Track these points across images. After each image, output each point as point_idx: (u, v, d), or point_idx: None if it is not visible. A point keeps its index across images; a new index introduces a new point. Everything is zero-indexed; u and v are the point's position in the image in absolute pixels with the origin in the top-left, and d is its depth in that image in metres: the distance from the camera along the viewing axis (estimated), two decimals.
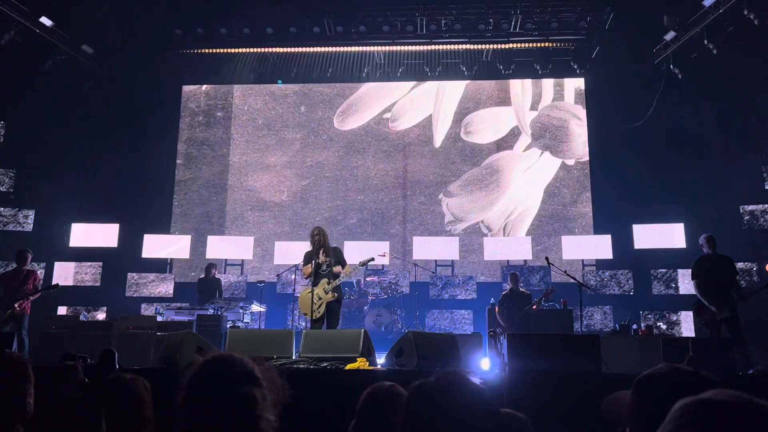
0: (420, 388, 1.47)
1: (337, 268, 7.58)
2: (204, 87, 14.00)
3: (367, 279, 11.72)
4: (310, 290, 7.52)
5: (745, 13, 10.02)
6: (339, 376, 5.29)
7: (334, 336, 6.57)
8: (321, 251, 7.53)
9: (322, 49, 13.41)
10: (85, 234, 12.39)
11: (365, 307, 11.19)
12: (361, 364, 5.67)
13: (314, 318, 7.41)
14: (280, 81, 13.69)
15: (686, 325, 10.98)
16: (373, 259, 7.69)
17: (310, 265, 7.62)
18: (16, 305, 8.45)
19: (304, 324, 10.20)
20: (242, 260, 12.61)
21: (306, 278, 7.68)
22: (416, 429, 1.42)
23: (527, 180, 13.13)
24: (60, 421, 2.00)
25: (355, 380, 5.11)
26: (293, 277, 10.68)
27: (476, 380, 1.53)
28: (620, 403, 1.88)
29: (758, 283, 10.21)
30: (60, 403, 2.10)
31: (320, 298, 7.43)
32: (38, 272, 9.21)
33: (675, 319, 11.13)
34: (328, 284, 7.47)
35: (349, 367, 5.60)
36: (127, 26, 11.99)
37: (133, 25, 12.05)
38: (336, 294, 7.50)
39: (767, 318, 8.71)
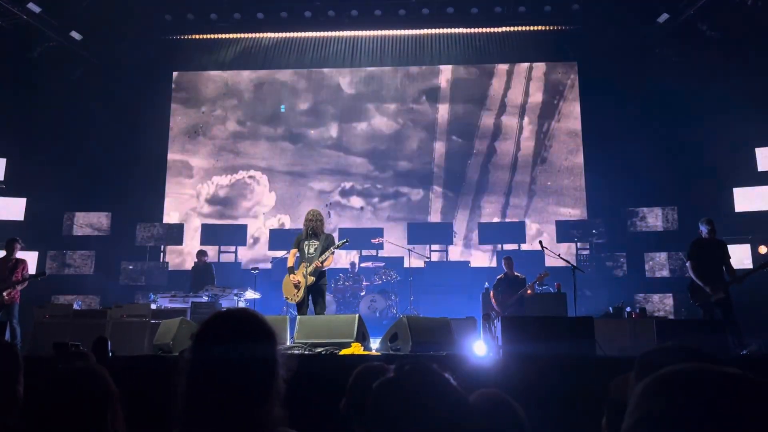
0: (383, 385, 1.45)
1: (328, 260, 7.35)
2: (197, 73, 13.85)
3: (362, 265, 11.72)
4: (290, 274, 7.39)
5: None
6: (334, 361, 5.28)
7: (329, 321, 6.56)
8: (310, 236, 7.42)
9: (314, 34, 13.30)
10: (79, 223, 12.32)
11: (360, 293, 11.19)
12: (355, 349, 5.67)
13: (295, 302, 7.33)
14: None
15: (680, 307, 11.03)
16: (347, 241, 7.57)
17: (294, 251, 7.52)
18: (4, 294, 8.41)
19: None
20: (236, 247, 12.58)
21: (289, 266, 7.52)
22: (382, 424, 1.40)
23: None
24: (61, 411, 1.95)
25: (350, 365, 5.10)
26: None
27: (441, 371, 1.50)
28: (628, 385, 1.86)
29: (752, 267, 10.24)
30: (59, 392, 2.06)
31: (299, 283, 7.29)
32: (27, 261, 9.14)
33: (668, 301, 11.18)
34: (306, 269, 7.26)
35: (343, 352, 5.61)
36: (116, 12, 11.84)
37: (122, 11, 11.89)
38: (314, 278, 7.25)
39: (759, 301, 8.79)
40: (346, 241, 7.50)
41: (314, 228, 7.42)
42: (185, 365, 1.48)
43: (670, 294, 11.14)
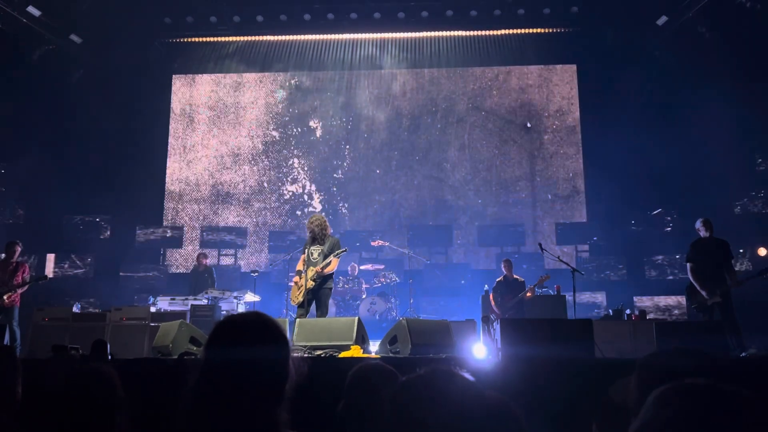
0: (408, 382, 1.46)
1: (330, 266, 7.44)
2: (196, 76, 13.85)
3: (362, 268, 11.71)
4: (299, 278, 7.48)
5: None
6: (333, 364, 5.27)
7: (328, 324, 6.56)
8: (314, 241, 7.50)
9: (313, 36, 13.31)
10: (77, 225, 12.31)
11: (360, 296, 11.19)
12: (355, 351, 5.66)
13: (295, 303, 7.39)
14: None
15: (679, 310, 11.02)
16: (345, 250, 7.62)
17: (303, 256, 7.61)
18: (5, 297, 8.40)
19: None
20: (236, 250, 12.58)
21: (296, 272, 7.61)
22: (403, 420, 1.40)
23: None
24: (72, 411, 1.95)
25: (349, 368, 5.09)
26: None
27: (464, 372, 1.51)
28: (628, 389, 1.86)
29: (753, 270, 10.22)
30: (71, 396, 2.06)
31: (301, 285, 7.36)
32: (27, 264, 9.15)
33: (668, 304, 11.18)
34: (312, 272, 7.36)
35: (343, 354, 5.59)
36: (115, 15, 11.85)
37: (121, 14, 11.90)
38: (316, 281, 7.32)
39: (759, 302, 8.77)
40: (345, 250, 7.55)
41: (315, 232, 7.50)
42: (197, 366, 1.49)
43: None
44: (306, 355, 5.62)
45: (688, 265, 7.90)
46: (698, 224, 7.99)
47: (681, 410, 0.93)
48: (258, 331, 1.52)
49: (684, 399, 0.95)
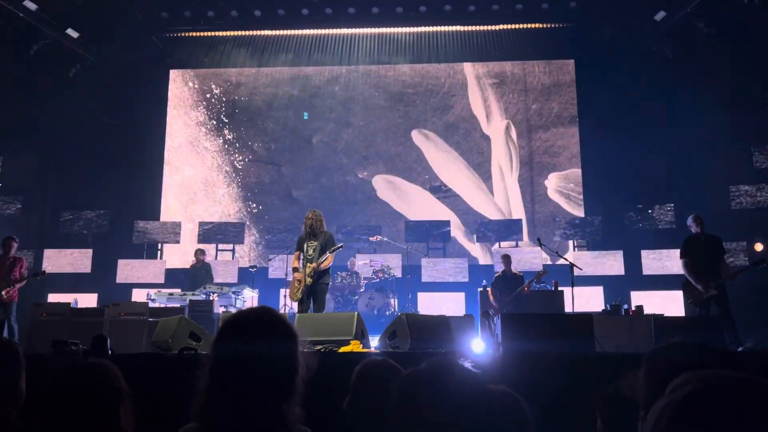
0: (411, 375, 1.47)
1: (326, 262, 7.45)
2: (194, 71, 13.81)
3: (360, 263, 11.71)
4: (299, 274, 7.48)
5: None
6: (333, 358, 5.28)
7: (328, 319, 6.57)
8: (310, 236, 7.49)
9: (311, 31, 13.29)
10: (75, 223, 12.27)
11: (358, 291, 11.19)
12: (354, 346, 5.67)
13: (294, 299, 7.41)
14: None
15: (676, 304, 11.05)
16: (341, 247, 7.63)
17: (297, 253, 7.60)
18: (2, 293, 8.39)
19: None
20: (233, 246, 12.57)
21: (293, 268, 7.61)
22: (409, 414, 1.41)
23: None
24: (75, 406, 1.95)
25: (349, 363, 5.09)
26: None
27: (466, 363, 1.52)
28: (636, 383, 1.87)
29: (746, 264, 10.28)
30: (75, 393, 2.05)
31: (300, 282, 7.38)
32: (24, 259, 9.14)
33: (665, 299, 11.20)
34: (306, 270, 7.38)
35: (342, 349, 5.60)
36: (112, 10, 11.80)
37: (118, 9, 11.85)
38: (312, 278, 7.33)
39: (756, 297, 8.81)
40: (341, 246, 7.56)
41: (313, 228, 7.48)
42: (207, 361, 1.50)
43: None
44: (305, 350, 5.62)
45: (682, 260, 7.98)
46: (689, 221, 8.11)
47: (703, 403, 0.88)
48: (266, 326, 1.53)
49: (706, 390, 0.90)
